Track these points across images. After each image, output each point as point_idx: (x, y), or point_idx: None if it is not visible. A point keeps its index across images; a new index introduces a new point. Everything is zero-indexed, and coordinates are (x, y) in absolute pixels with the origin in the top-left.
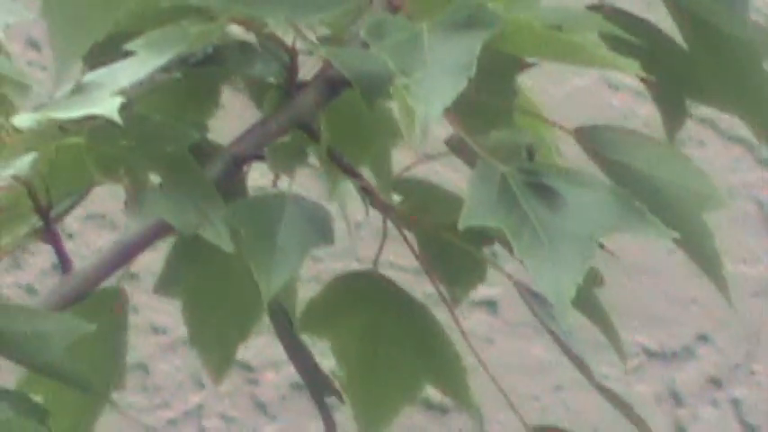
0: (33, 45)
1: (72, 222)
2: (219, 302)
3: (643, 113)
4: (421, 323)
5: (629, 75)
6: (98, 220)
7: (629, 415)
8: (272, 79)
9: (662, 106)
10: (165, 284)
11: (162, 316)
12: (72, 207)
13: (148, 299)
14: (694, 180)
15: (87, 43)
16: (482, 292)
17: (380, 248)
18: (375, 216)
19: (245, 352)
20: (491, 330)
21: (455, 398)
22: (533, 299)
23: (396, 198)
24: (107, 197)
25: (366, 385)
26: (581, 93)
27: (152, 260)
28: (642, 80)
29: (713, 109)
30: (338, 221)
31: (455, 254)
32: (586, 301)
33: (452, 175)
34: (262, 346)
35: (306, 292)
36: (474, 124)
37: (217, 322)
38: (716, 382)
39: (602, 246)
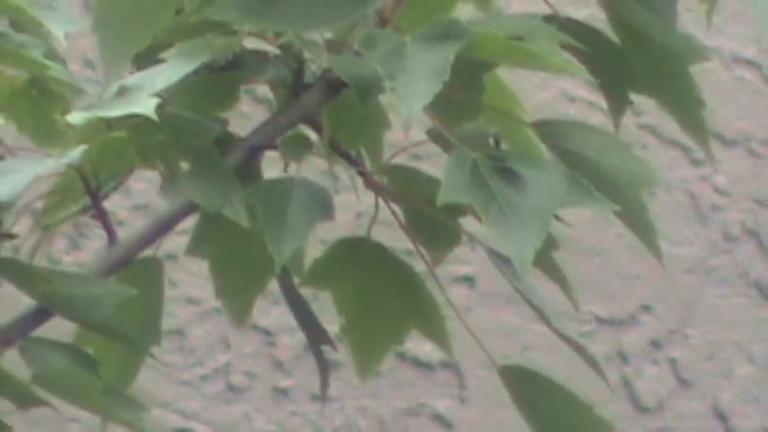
0: (89, 65)
1: (120, 211)
2: (239, 263)
3: (595, 120)
4: (406, 278)
5: (583, 87)
6: (142, 210)
7: (583, 355)
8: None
9: (608, 97)
10: (193, 248)
11: (196, 289)
12: (115, 188)
13: (186, 275)
14: (633, 164)
15: (131, 53)
16: (462, 269)
17: (373, 219)
18: (368, 195)
19: (265, 319)
20: (469, 301)
21: (435, 341)
22: (501, 262)
23: (385, 179)
24: (149, 190)
25: (361, 329)
26: (544, 104)
27: (185, 242)
28: (591, 73)
29: (653, 117)
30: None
31: (434, 224)
32: (546, 263)
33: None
34: (279, 315)
35: (313, 251)
36: (449, 118)
37: (237, 279)
38: (656, 345)
39: (557, 217)
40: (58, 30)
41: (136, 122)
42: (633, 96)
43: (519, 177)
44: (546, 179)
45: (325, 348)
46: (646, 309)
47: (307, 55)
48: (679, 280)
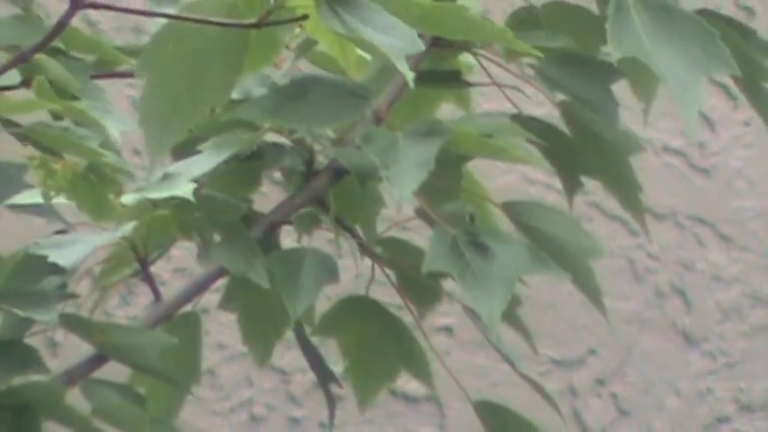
0: (137, 153)
1: (164, 274)
2: (261, 316)
3: (551, 199)
4: (397, 328)
5: (541, 172)
6: (182, 273)
7: (540, 392)
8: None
9: (562, 180)
10: (224, 304)
11: (226, 337)
12: (160, 256)
13: (217, 326)
14: (581, 237)
15: (171, 145)
16: (443, 321)
17: (370, 281)
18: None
19: (282, 361)
20: (448, 347)
21: (420, 379)
22: (474, 317)
23: (379, 249)
24: (188, 257)
25: (361, 370)
26: (508, 186)
27: (217, 299)
28: (548, 161)
29: (598, 196)
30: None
31: (420, 285)
32: (511, 317)
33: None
34: (293, 358)
35: (321, 306)
36: (433, 199)
37: (260, 328)
38: (600, 382)
39: (520, 280)
40: (113, 128)
41: (177, 202)
42: (582, 179)
43: (489, 250)
44: (511, 252)
45: (332, 385)
46: (592, 352)
47: (316, 147)
48: (619, 329)
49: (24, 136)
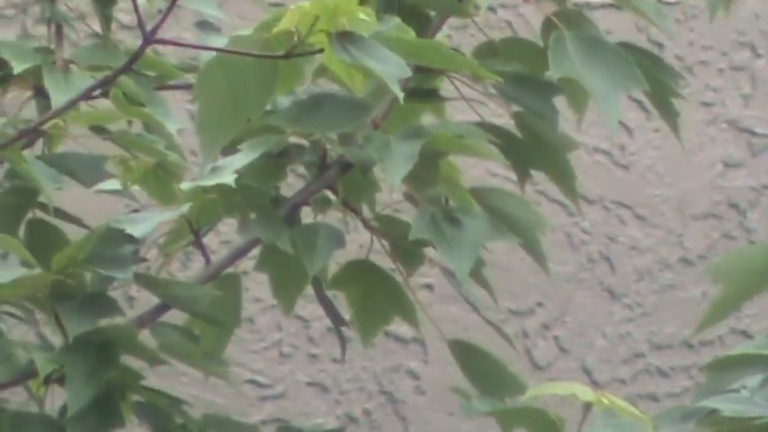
0: (194, 154)
1: (212, 244)
2: (287, 275)
3: (508, 187)
4: (391, 285)
5: (500, 167)
6: (226, 243)
7: (500, 334)
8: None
9: (516, 172)
10: (259, 266)
11: (261, 292)
12: (209, 230)
13: (254, 284)
14: (531, 214)
15: (220, 146)
16: (425, 279)
17: (369, 249)
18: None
19: (303, 311)
20: (430, 300)
21: (409, 323)
22: (449, 275)
23: (377, 224)
24: (231, 230)
25: (363, 316)
26: (475, 177)
27: (253, 263)
28: (505, 158)
29: (544, 185)
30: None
31: (408, 251)
32: (477, 276)
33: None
34: (312, 308)
35: (333, 268)
36: (417, 186)
37: (286, 285)
38: (545, 327)
39: (484, 247)
40: (172, 128)
41: (222, 188)
42: (531, 172)
43: (460, 223)
44: (476, 224)
45: (342, 328)
46: (539, 304)
47: (328, 147)
48: (560, 286)
49: (111, 140)
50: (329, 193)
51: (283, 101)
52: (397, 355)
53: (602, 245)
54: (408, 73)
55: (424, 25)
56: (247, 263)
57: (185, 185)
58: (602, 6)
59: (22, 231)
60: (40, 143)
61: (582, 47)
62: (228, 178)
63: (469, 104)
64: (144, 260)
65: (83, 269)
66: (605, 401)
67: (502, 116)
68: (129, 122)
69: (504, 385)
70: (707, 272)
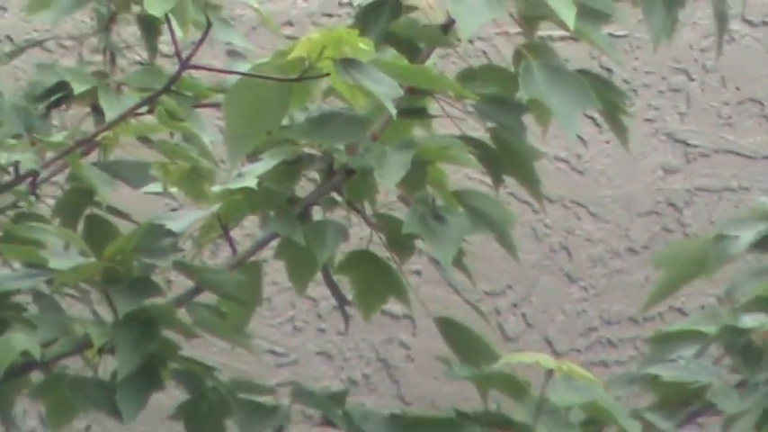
0: (222, 161)
1: (238, 237)
2: (300, 262)
3: (484, 189)
4: (386, 270)
5: (477, 173)
6: (250, 236)
7: (477, 312)
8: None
9: (491, 177)
10: (277, 255)
11: (278, 277)
12: (236, 225)
13: (272, 270)
14: (503, 212)
15: (244, 155)
16: (414, 266)
17: (369, 241)
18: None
19: (313, 292)
20: (419, 283)
21: (401, 302)
22: (435, 263)
23: (375, 220)
24: (253, 225)
25: (364, 297)
26: (456, 181)
27: (272, 253)
28: (481, 165)
29: (513, 188)
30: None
31: (401, 243)
32: (459, 264)
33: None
34: (321, 290)
35: (338, 257)
36: (409, 189)
37: (299, 270)
38: (515, 305)
39: (465, 240)
40: (206, 139)
41: (246, 190)
42: (503, 177)
43: (444, 219)
44: (458, 220)
45: (346, 307)
46: (509, 287)
47: (335, 155)
48: (527, 272)
49: (154, 149)
50: (336, 195)
51: (298, 116)
52: (391, 329)
53: (561, 237)
54: (400, 93)
55: (414, 54)
56: (267, 252)
57: (215, 188)
58: (562, 38)
59: (80, 226)
60: (96, 152)
61: (546, 73)
62: (251, 182)
63: (452, 120)
64: (181, 250)
65: (130, 258)
66: (564, 368)
67: (479, 130)
68: (171, 134)
69: (480, 354)
70: (650, 260)
